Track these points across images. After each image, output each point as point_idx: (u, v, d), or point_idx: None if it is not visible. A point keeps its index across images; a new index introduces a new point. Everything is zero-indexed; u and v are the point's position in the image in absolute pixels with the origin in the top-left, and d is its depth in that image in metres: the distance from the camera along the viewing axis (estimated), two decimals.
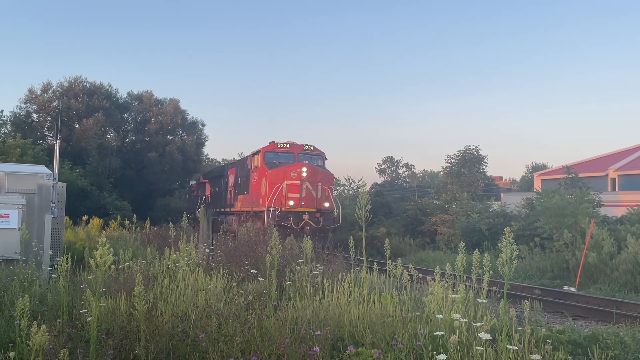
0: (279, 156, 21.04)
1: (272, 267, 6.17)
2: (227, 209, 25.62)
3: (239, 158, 26.19)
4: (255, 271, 7.48)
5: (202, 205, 29.04)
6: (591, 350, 4.60)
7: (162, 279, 6.31)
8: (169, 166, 44.33)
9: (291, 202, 19.28)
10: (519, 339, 3.92)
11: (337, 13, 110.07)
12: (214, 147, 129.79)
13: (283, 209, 19.13)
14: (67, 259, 5.75)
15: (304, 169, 19.60)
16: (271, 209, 19.05)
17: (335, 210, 20.44)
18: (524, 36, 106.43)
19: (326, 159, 22.34)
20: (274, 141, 21.63)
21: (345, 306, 5.45)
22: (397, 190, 55.46)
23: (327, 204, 19.92)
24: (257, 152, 21.64)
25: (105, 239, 4.38)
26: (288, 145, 21.31)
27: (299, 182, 19.53)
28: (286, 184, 19.49)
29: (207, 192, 31.55)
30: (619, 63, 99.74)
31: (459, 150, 29.56)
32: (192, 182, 39.01)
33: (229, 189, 26.06)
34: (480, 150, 29.26)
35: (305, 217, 19.28)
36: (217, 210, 27.40)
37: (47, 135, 40.90)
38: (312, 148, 21.78)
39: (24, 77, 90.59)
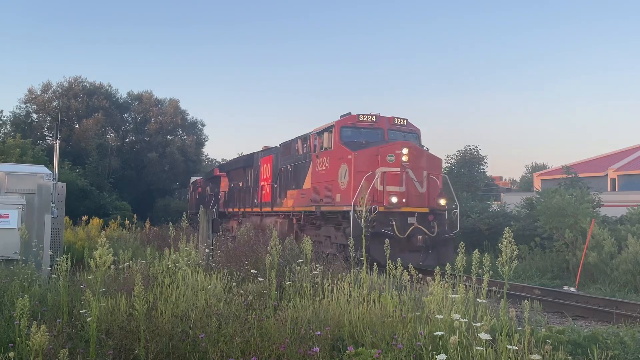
0: (361, 133, 15.28)
1: (271, 267, 6.18)
2: (265, 209, 20.02)
3: (279, 144, 20.17)
4: (255, 271, 7.48)
5: (217, 203, 26.08)
6: (591, 350, 4.60)
7: (162, 279, 6.32)
8: (169, 166, 44.46)
9: (393, 199, 13.54)
10: (518, 339, 3.92)
11: (335, 9, 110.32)
12: (214, 147, 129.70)
13: (380, 208, 13.37)
14: (66, 259, 5.76)
15: (405, 151, 13.97)
16: (359, 208, 12.91)
17: (455, 210, 14.68)
18: (524, 36, 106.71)
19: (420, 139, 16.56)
20: (350, 113, 15.63)
21: (345, 306, 5.45)
22: None
23: (442, 201, 14.37)
24: (327, 129, 15.64)
25: (105, 239, 4.39)
26: (374, 118, 15.39)
27: (398, 169, 13.87)
28: (382, 172, 13.79)
29: (225, 188, 26.45)
30: (619, 63, 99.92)
31: (459, 151, 29.51)
32: (196, 178, 35.84)
33: (262, 183, 20.65)
34: (480, 150, 29.21)
35: (413, 220, 13.68)
36: (242, 209, 22.36)
37: (47, 135, 41.02)
38: (404, 122, 15.86)
39: (24, 77, 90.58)
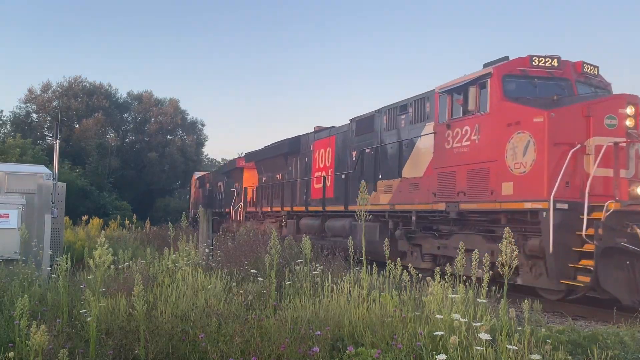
0: (535, 86, 10.08)
1: (271, 267, 6.18)
2: (331, 207, 15.43)
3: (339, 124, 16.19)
4: (254, 271, 7.49)
5: (244, 201, 22.52)
6: (591, 350, 4.60)
7: (162, 279, 6.32)
8: (169, 166, 44.60)
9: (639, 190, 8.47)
10: (518, 339, 3.92)
11: (336, 9, 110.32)
12: (214, 147, 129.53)
13: (614, 205, 8.10)
14: (66, 259, 5.76)
15: (631, 110, 8.86)
16: (561, 205, 8.51)
17: None
18: (525, 35, 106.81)
19: None
20: (507, 57, 10.56)
21: (345, 306, 5.45)
22: None
23: None
24: (473, 82, 10.37)
25: (105, 239, 4.39)
26: (555, 63, 10.18)
27: (624, 139, 8.70)
28: (608, 145, 8.56)
29: (251, 182, 22.28)
30: (619, 63, 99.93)
31: None
32: (202, 173, 33.55)
33: (317, 174, 16.35)
34: None
35: None
36: (288, 208, 17.95)
37: (47, 135, 41.10)
38: (596, 72, 10.66)
39: (24, 77, 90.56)
